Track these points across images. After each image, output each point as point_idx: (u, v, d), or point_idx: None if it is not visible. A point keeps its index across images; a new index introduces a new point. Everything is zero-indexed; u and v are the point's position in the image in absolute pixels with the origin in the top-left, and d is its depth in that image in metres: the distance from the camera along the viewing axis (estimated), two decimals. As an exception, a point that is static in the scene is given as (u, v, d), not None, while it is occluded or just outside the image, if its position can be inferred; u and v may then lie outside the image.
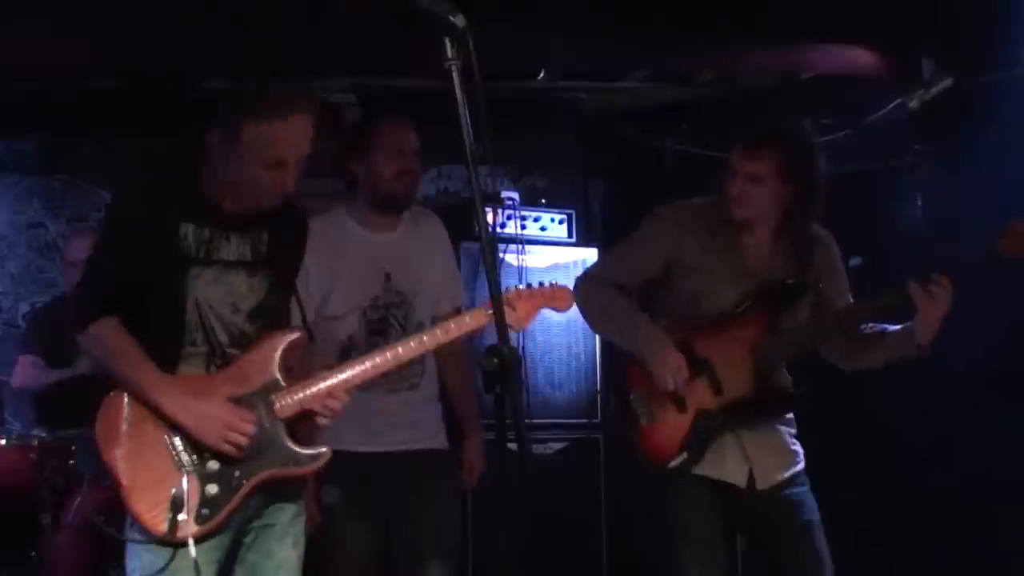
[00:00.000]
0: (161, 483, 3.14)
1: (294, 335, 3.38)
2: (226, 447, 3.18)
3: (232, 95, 3.29)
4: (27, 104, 5.97)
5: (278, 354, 3.32)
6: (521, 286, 3.64)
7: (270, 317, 3.41)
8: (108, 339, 3.23)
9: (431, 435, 4.32)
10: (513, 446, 2.60)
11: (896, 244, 5.43)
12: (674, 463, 3.94)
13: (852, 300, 4.07)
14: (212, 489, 3.18)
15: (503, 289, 3.38)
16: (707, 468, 3.95)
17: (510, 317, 3.49)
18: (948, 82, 5.46)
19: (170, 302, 3.28)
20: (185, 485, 3.14)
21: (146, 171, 3.51)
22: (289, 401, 3.29)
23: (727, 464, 3.95)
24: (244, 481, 3.21)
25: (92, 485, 4.76)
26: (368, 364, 3.36)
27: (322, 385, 3.31)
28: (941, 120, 5.50)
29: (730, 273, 4.00)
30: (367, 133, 4.27)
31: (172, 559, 3.12)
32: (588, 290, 4.13)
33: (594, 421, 5.77)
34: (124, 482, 3.14)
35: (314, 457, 3.31)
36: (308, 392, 3.30)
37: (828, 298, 4.04)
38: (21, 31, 4.89)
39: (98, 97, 6.02)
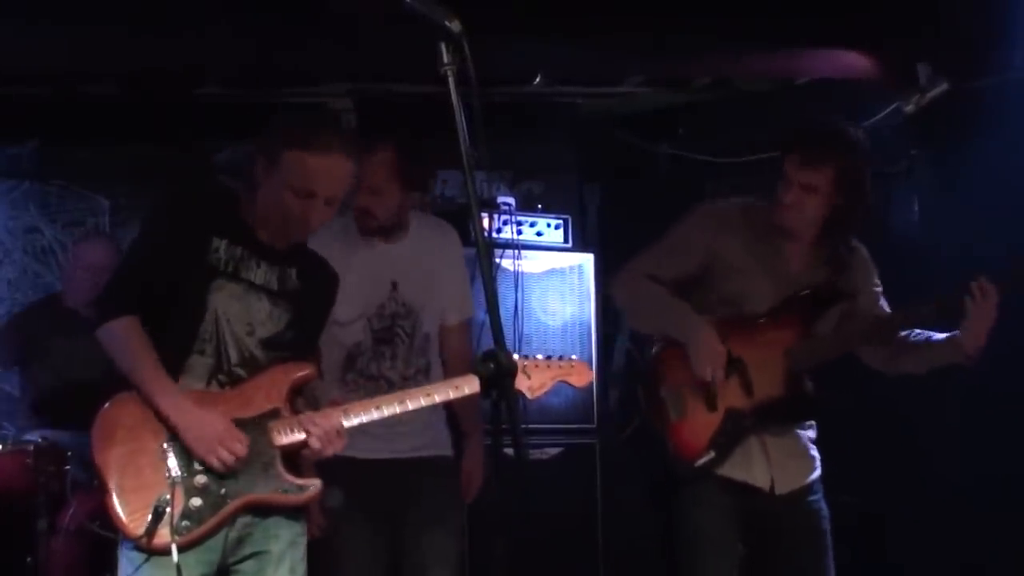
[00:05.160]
0: (146, 489, 3.17)
1: (305, 371, 3.44)
2: (213, 460, 3.21)
3: (282, 123, 3.36)
4: (23, 109, 5.98)
5: (287, 385, 3.38)
6: (540, 356, 3.71)
7: (283, 350, 3.44)
8: (124, 336, 3.27)
9: (435, 442, 4.31)
10: (509, 451, 2.60)
11: (892, 248, 5.43)
12: (701, 461, 3.95)
13: (886, 308, 4.08)
14: (196, 502, 3.20)
15: (521, 357, 3.59)
16: (733, 470, 3.97)
17: (522, 384, 3.61)
18: (944, 87, 5.46)
19: (189, 308, 3.33)
20: (169, 495, 3.15)
21: (189, 183, 3.60)
22: (288, 431, 3.33)
23: (753, 467, 3.97)
24: (229, 500, 3.24)
25: (88, 490, 4.76)
26: (375, 413, 3.41)
27: (323, 422, 3.34)
28: (937, 124, 5.50)
29: (770, 276, 4.01)
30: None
31: (144, 562, 3.16)
32: (626, 283, 4.13)
33: (590, 427, 5.77)
34: (110, 484, 3.17)
35: (303, 488, 3.35)
36: (308, 427, 3.33)
37: (861, 307, 4.06)
38: (15, 36, 4.89)
39: (94, 102, 6.03)
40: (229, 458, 3.21)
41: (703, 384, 3.96)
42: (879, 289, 4.12)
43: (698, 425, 3.98)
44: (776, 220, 3.97)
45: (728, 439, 3.96)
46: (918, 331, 3.99)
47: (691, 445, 3.97)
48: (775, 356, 3.97)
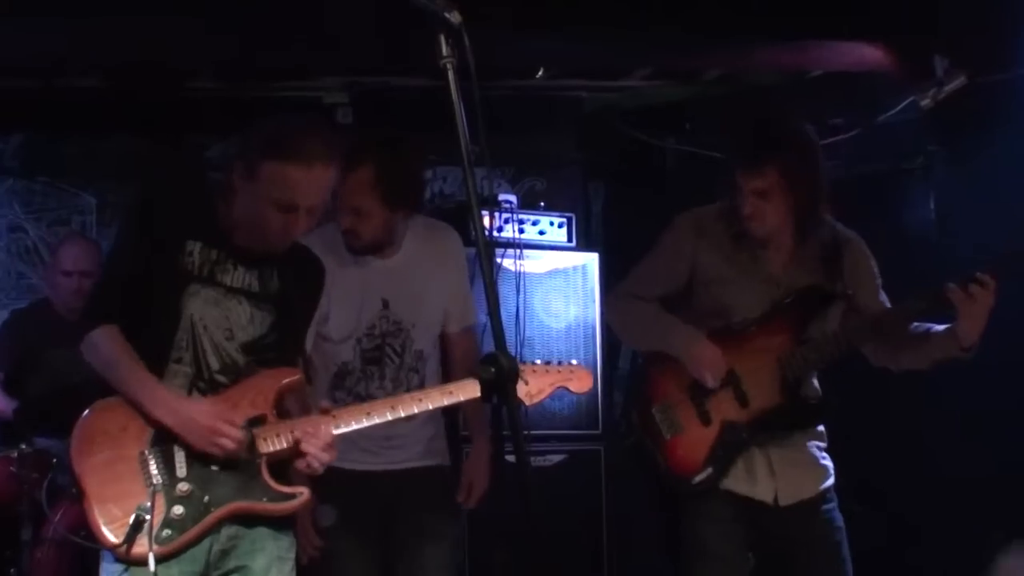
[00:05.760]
0: (127, 498, 3.15)
1: (293, 376, 3.42)
2: (215, 449, 3.20)
3: (259, 130, 3.32)
4: (7, 103, 5.97)
5: (273, 391, 3.36)
6: (538, 361, 3.71)
7: (266, 354, 3.42)
8: (106, 346, 3.27)
9: (431, 451, 4.29)
10: (511, 458, 2.59)
11: (908, 248, 5.42)
12: (698, 479, 3.94)
13: (887, 303, 4.06)
14: (178, 510, 3.19)
15: (520, 362, 3.46)
16: (735, 484, 3.96)
17: (519, 390, 3.51)
18: (962, 80, 5.44)
19: (164, 315, 3.32)
20: (150, 503, 3.13)
21: (162, 184, 3.59)
22: (274, 438, 3.30)
23: (756, 480, 3.96)
24: (212, 508, 3.23)
25: (73, 499, 4.75)
26: (365, 421, 3.39)
27: (310, 430, 3.31)
28: (954, 119, 5.48)
29: (754, 281, 4.01)
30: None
31: (123, 573, 3.14)
32: (614, 305, 4.21)
33: (594, 432, 5.76)
34: (89, 492, 3.16)
35: (290, 496, 3.32)
36: (294, 434, 3.30)
37: (861, 304, 4.04)
38: None
39: (81, 97, 6.02)
40: (230, 443, 3.20)
41: (696, 397, 3.97)
42: (878, 282, 4.09)
43: (693, 441, 3.97)
44: (746, 231, 3.98)
45: (726, 453, 3.95)
46: (917, 323, 3.97)
47: (687, 462, 3.97)
48: (768, 364, 3.96)
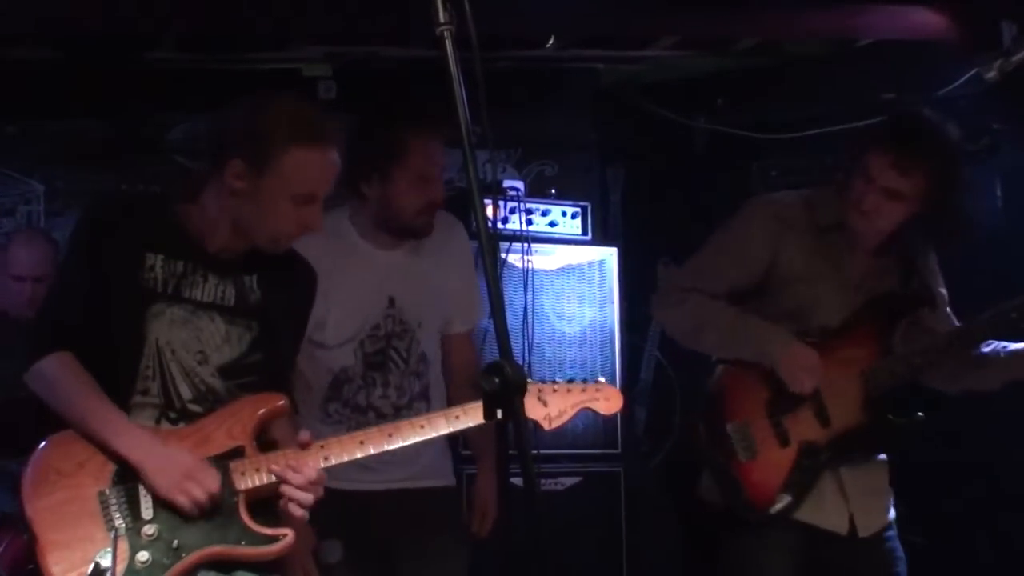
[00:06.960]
0: (84, 543, 3.12)
1: (276, 402, 3.39)
2: (182, 499, 3.16)
3: (263, 115, 3.28)
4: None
5: (253, 420, 3.33)
6: (559, 380, 3.67)
7: (249, 376, 3.40)
8: (57, 373, 3.25)
9: (435, 471, 4.34)
10: (518, 481, 2.58)
11: (972, 240, 5.41)
12: (777, 507, 3.95)
13: (953, 317, 4.07)
14: (143, 557, 3.15)
15: (538, 381, 3.56)
16: (806, 514, 3.96)
17: (537, 412, 3.55)
18: (1032, 49, 5.44)
19: (125, 342, 3.30)
20: (111, 549, 3.10)
21: (113, 192, 3.56)
22: (253, 473, 3.27)
23: (827, 509, 3.97)
24: (184, 554, 3.18)
25: (16, 529, 4.74)
26: (359, 453, 3.36)
27: (292, 464, 3.27)
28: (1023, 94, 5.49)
29: (837, 284, 4.01)
30: (389, 152, 4.14)
31: None
32: (673, 302, 4.13)
33: (613, 452, 5.76)
34: (41, 537, 3.12)
35: (272, 539, 3.27)
36: (275, 468, 3.27)
37: (934, 316, 4.06)
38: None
39: (26, 70, 6.01)
40: (201, 495, 3.17)
41: (774, 415, 3.97)
42: (944, 292, 4.12)
43: (769, 465, 3.98)
44: (844, 220, 3.95)
45: (804, 478, 3.95)
46: (990, 341, 3.98)
47: (763, 488, 3.97)
48: (851, 378, 3.97)
